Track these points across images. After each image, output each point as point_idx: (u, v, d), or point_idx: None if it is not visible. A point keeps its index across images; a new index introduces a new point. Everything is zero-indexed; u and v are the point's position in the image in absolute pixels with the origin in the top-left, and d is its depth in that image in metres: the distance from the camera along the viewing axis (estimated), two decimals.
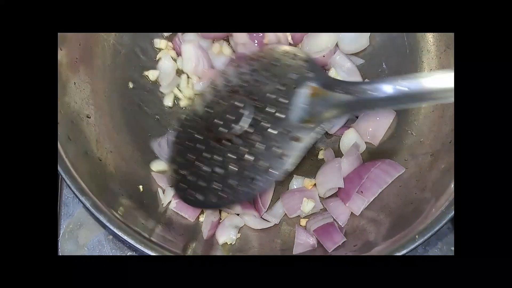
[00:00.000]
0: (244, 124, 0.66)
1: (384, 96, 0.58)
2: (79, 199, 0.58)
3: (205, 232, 0.71)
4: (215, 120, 0.69)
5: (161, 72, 0.81)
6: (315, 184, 0.76)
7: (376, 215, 0.72)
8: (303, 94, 0.65)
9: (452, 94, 0.53)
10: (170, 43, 0.83)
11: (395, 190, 0.73)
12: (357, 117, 0.79)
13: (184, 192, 0.68)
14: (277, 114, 0.65)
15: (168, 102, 0.81)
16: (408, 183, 0.72)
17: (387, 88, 0.58)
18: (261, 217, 0.74)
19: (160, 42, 0.82)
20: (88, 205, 0.58)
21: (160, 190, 0.76)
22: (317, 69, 0.68)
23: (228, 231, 0.71)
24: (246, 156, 0.65)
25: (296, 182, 0.78)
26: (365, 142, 0.79)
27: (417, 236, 0.58)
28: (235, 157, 0.65)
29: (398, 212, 0.70)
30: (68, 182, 0.58)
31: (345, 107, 0.63)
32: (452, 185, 0.62)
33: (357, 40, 0.82)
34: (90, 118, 0.73)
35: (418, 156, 0.74)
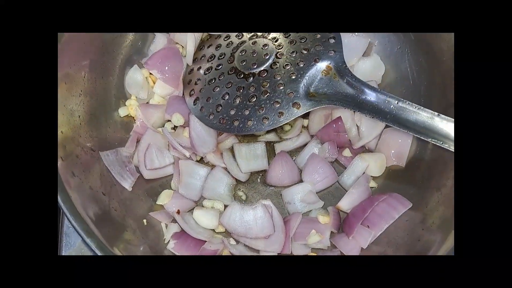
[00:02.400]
0: (264, 62, 0.74)
1: (376, 105, 0.68)
2: (84, 240, 0.57)
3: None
4: (240, 54, 0.77)
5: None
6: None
7: (384, 250, 0.71)
8: (318, 69, 0.71)
9: (452, 144, 0.61)
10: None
11: (403, 224, 0.72)
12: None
13: (203, 114, 0.77)
14: (291, 73, 0.73)
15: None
16: (415, 218, 0.71)
17: (385, 103, 0.67)
18: None
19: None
20: (93, 247, 0.57)
21: (163, 225, 0.75)
22: (340, 50, 0.73)
23: None
24: (251, 98, 0.73)
25: (314, 212, 0.78)
26: (391, 164, 0.80)
27: None
28: (242, 93, 0.74)
29: (406, 247, 0.69)
30: (73, 223, 0.58)
31: (345, 99, 0.70)
32: None
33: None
34: (94, 151, 0.73)
35: (426, 190, 0.73)
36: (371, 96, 0.69)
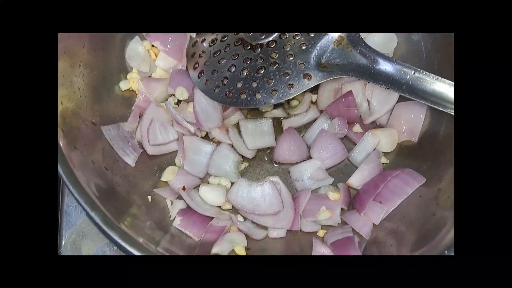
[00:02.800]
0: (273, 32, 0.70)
1: (391, 76, 0.65)
2: (88, 214, 0.55)
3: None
4: None
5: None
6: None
7: (396, 227, 0.69)
8: (330, 39, 0.68)
9: (452, 106, 0.60)
10: None
11: (416, 200, 0.70)
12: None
13: (208, 88, 0.74)
14: (301, 43, 0.69)
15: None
16: (428, 194, 0.69)
17: (401, 73, 0.65)
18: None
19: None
20: (98, 220, 0.54)
21: (168, 201, 0.72)
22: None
23: (225, 245, 0.67)
24: (259, 70, 0.70)
25: (323, 189, 0.76)
26: (403, 140, 0.78)
27: (446, 252, 0.54)
28: (249, 65, 0.71)
29: (419, 223, 0.67)
30: (77, 196, 0.55)
31: (358, 70, 0.67)
32: None
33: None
34: (95, 125, 0.70)
35: (440, 166, 0.71)
36: (386, 66, 0.66)
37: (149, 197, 0.71)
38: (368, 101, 0.80)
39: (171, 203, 0.72)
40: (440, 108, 0.63)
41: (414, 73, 0.64)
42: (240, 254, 0.67)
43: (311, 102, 0.83)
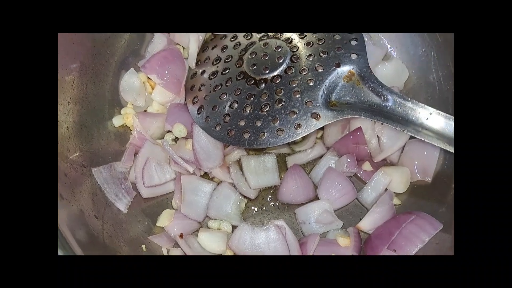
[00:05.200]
0: (278, 67, 0.66)
1: (405, 117, 0.61)
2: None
3: None
4: (250, 57, 0.70)
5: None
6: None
7: None
8: (339, 74, 0.64)
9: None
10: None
11: (432, 248, 0.64)
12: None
13: (208, 125, 0.69)
14: (308, 79, 0.65)
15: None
16: (446, 241, 0.64)
17: (418, 113, 0.60)
18: None
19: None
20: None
21: (164, 250, 0.66)
22: (363, 53, 0.66)
23: None
24: (263, 108, 0.65)
25: (332, 233, 0.71)
26: (416, 180, 0.73)
27: None
28: (253, 102, 0.66)
29: None
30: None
31: (370, 109, 0.63)
32: None
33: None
34: (85, 167, 0.64)
35: None
36: (400, 105, 0.61)
37: (143, 246, 0.65)
38: (378, 137, 0.75)
39: (168, 252, 0.66)
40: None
41: (431, 114, 0.60)
42: None
43: (317, 137, 0.78)
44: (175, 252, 0.66)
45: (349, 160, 0.73)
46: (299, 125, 0.64)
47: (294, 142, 0.77)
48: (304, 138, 0.77)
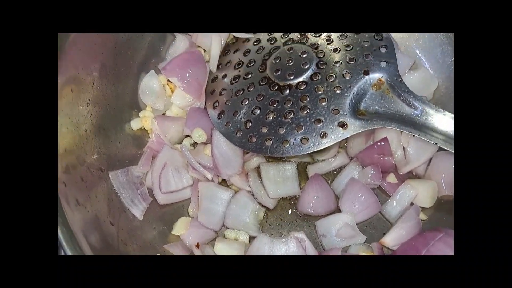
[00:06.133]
0: (303, 73, 0.64)
1: (439, 129, 0.57)
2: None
3: None
4: (274, 62, 0.67)
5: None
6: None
7: None
8: (368, 82, 0.62)
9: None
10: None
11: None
12: None
13: (229, 131, 0.67)
14: (335, 87, 0.62)
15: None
16: None
17: (447, 123, 0.57)
18: None
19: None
20: None
21: None
22: (392, 61, 0.63)
23: None
24: (287, 115, 0.63)
25: (354, 248, 0.68)
26: (443, 194, 0.69)
27: None
28: (276, 108, 0.64)
29: None
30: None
31: (401, 120, 0.60)
32: None
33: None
34: (103, 171, 0.62)
35: None
36: (432, 117, 0.58)
37: (158, 255, 0.62)
38: (404, 148, 0.72)
39: None
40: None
41: None
42: None
43: (340, 146, 0.75)
44: None
45: (373, 171, 0.70)
46: (325, 134, 0.61)
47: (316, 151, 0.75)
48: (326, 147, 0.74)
